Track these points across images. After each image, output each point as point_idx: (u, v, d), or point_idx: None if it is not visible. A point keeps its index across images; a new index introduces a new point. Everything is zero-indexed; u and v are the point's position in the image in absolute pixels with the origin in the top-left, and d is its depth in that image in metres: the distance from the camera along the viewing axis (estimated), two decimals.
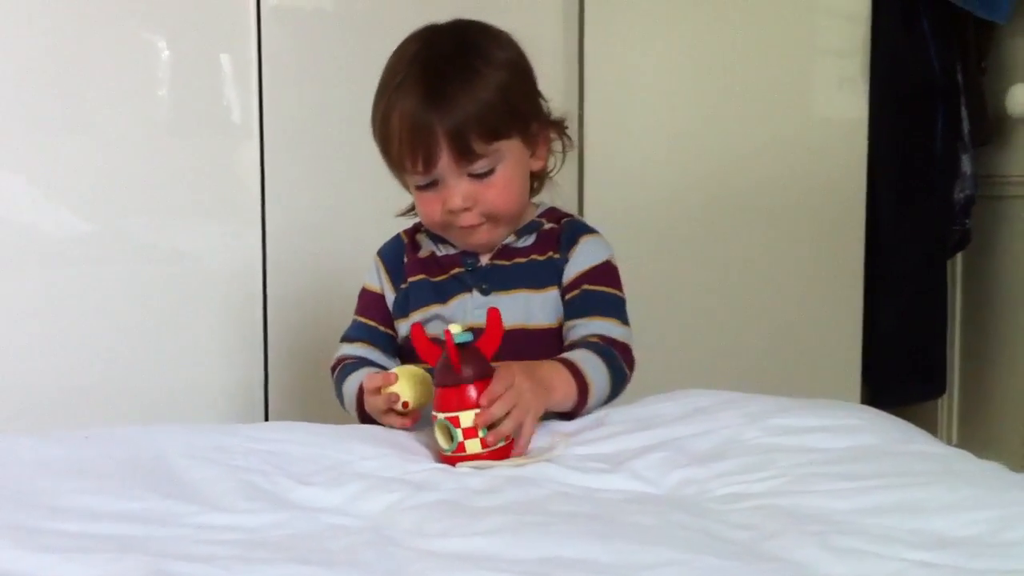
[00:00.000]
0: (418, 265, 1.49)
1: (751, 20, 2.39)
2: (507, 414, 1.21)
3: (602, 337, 1.39)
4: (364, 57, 2.13)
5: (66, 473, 1.06)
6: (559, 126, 1.50)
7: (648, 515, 0.97)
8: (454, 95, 1.35)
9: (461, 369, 1.21)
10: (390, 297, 1.50)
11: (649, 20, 2.36)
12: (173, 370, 2.13)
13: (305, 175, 2.18)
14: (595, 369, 1.35)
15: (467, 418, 1.20)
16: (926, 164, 2.53)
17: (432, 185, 1.40)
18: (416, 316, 1.45)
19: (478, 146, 1.36)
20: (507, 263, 1.46)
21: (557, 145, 1.51)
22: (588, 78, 2.29)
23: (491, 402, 1.20)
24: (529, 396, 1.24)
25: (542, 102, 1.48)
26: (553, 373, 1.31)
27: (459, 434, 1.20)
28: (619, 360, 1.38)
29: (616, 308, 1.44)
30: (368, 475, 1.13)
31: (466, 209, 1.40)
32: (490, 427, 1.20)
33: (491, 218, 1.42)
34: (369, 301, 1.53)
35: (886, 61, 2.45)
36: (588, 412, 1.36)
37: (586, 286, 1.44)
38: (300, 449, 1.21)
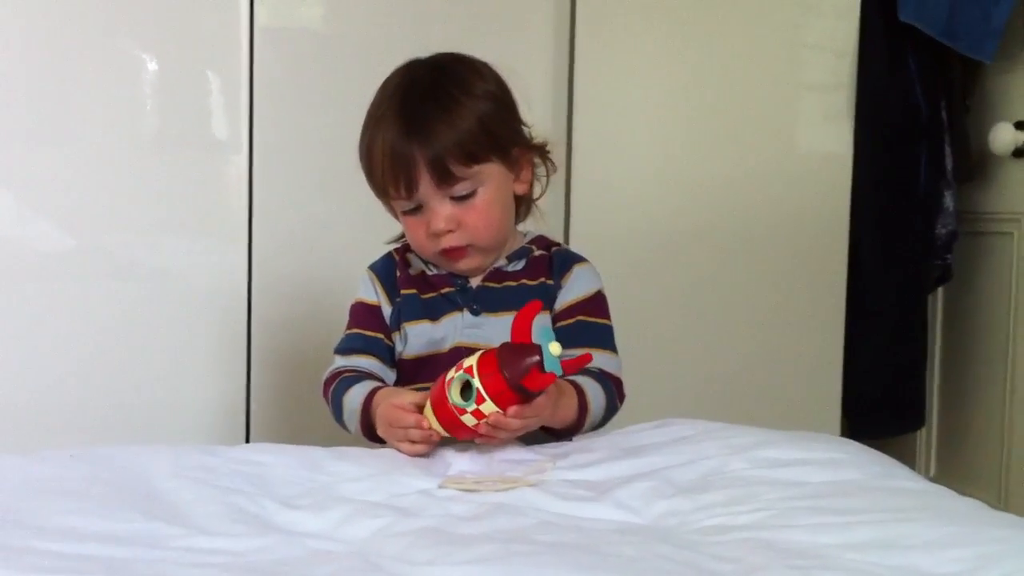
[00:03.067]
0: (409, 281, 1.52)
1: (738, 52, 2.41)
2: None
3: (601, 371, 1.44)
4: (354, 77, 2.15)
5: (52, 493, 1.06)
6: (541, 150, 1.53)
7: (633, 546, 0.97)
8: (432, 123, 1.40)
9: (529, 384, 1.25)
10: (387, 310, 1.52)
11: (638, 50, 2.37)
12: (156, 387, 2.13)
13: (293, 193, 2.19)
14: (596, 398, 1.41)
15: (489, 407, 1.25)
16: (909, 199, 2.55)
17: (417, 210, 1.45)
18: (408, 328, 1.48)
19: (457, 169, 1.41)
20: (497, 285, 1.49)
21: (542, 170, 1.54)
22: (577, 106, 2.31)
23: (517, 417, 1.26)
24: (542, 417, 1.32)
25: (524, 127, 1.51)
26: (571, 400, 1.38)
27: (471, 419, 1.26)
28: (614, 394, 1.44)
29: (609, 339, 1.49)
30: (353, 499, 1.13)
31: (449, 231, 1.43)
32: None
33: (475, 242, 1.45)
34: (366, 312, 1.53)
35: (871, 97, 2.47)
36: (576, 436, 1.41)
37: (581, 316, 1.47)
38: (284, 471, 1.21)
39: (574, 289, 1.49)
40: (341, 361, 1.51)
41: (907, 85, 2.53)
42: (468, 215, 1.43)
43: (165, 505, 1.06)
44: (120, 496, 1.07)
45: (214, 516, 1.04)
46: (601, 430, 1.45)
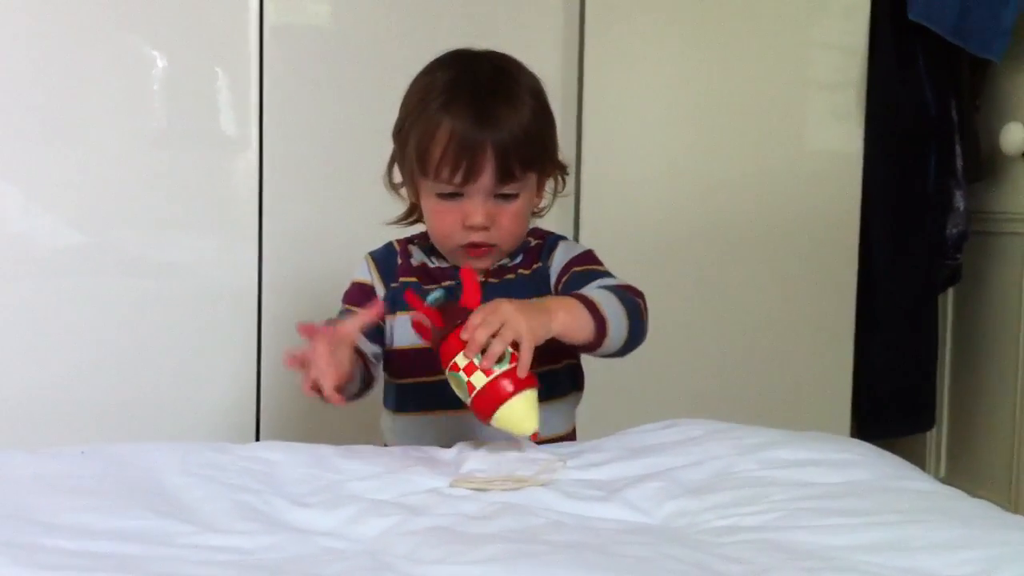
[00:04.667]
0: (410, 271, 1.52)
1: (747, 51, 2.40)
2: (495, 335, 1.21)
3: (602, 287, 1.40)
4: (362, 74, 2.16)
5: (62, 490, 1.07)
6: (564, 170, 1.55)
7: (642, 546, 0.97)
8: (506, 120, 1.41)
9: (444, 323, 1.24)
10: (380, 292, 1.52)
11: (647, 49, 2.37)
12: (166, 383, 2.13)
13: (302, 189, 2.19)
14: (603, 296, 1.35)
15: (461, 358, 1.22)
16: (919, 199, 2.54)
17: (454, 197, 1.44)
18: (401, 317, 1.47)
19: (517, 171, 1.42)
20: (497, 281, 1.50)
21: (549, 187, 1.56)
22: (586, 105, 2.31)
23: (473, 329, 1.21)
24: (516, 316, 1.23)
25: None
26: (550, 301, 1.33)
27: (463, 376, 1.22)
28: (629, 294, 1.39)
29: (610, 276, 1.46)
30: (362, 497, 1.13)
31: (484, 228, 1.43)
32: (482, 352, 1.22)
33: (501, 244, 1.47)
34: (359, 292, 1.53)
35: (881, 96, 2.47)
36: (611, 341, 1.34)
37: (576, 268, 1.48)
38: (294, 469, 1.21)
39: (562, 257, 1.51)
40: None
41: (917, 84, 2.53)
42: (504, 216, 1.44)
43: (175, 503, 1.07)
44: (131, 493, 1.07)
45: (224, 514, 1.05)
46: (609, 428, 1.43)
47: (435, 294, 1.28)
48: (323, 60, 2.20)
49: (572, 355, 1.51)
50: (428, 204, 1.48)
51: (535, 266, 1.52)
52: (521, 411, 1.23)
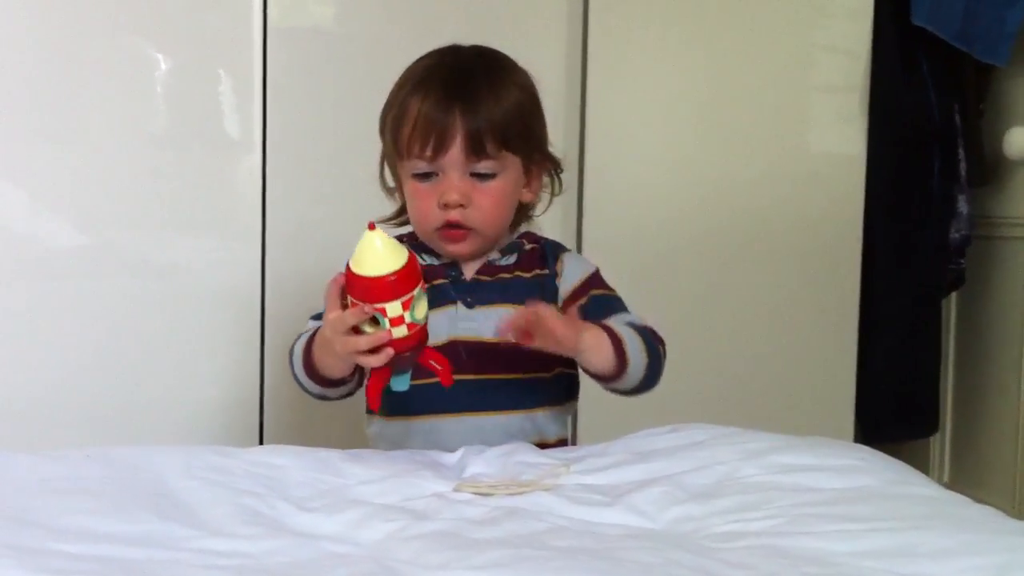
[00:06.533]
0: None
1: (751, 54, 2.40)
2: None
3: (629, 324, 1.43)
4: (365, 76, 2.16)
5: (66, 493, 1.07)
6: (556, 165, 1.54)
7: (646, 552, 0.97)
8: (480, 94, 1.41)
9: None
10: None
11: (650, 52, 2.37)
12: (169, 385, 2.13)
13: (305, 192, 2.19)
14: (631, 338, 1.38)
15: (393, 308, 1.24)
16: (923, 203, 2.54)
17: (430, 177, 1.43)
18: None
19: (490, 146, 1.41)
20: (490, 279, 1.49)
21: (546, 191, 1.56)
22: (589, 108, 2.31)
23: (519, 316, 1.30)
24: (553, 318, 1.31)
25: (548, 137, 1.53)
26: (583, 323, 1.36)
27: (387, 323, 1.24)
28: (650, 336, 1.42)
29: (624, 305, 1.50)
30: (366, 501, 1.13)
31: (460, 205, 1.42)
32: (414, 310, 1.25)
33: (478, 227, 1.45)
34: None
35: (885, 100, 2.46)
36: (625, 381, 1.39)
37: (594, 291, 1.49)
38: (299, 473, 1.21)
39: (574, 272, 1.51)
40: (311, 324, 1.47)
41: (921, 88, 2.52)
42: (482, 196, 1.43)
43: (179, 506, 1.06)
44: (135, 497, 1.07)
45: (228, 518, 1.05)
46: (613, 431, 1.43)
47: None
48: (326, 62, 2.20)
49: (566, 364, 1.51)
50: (408, 190, 1.48)
51: (537, 271, 1.51)
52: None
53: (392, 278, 1.24)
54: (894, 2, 2.47)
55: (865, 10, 2.43)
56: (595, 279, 1.51)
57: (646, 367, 1.39)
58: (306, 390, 1.46)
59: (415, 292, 1.25)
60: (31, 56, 2.07)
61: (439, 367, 1.31)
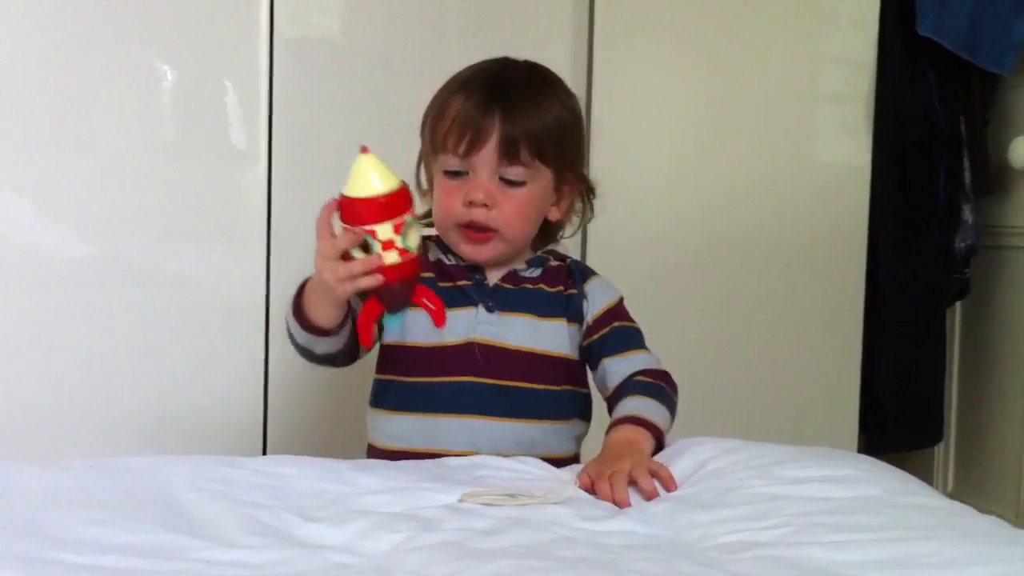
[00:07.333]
0: (427, 265, 1.51)
1: (757, 63, 2.40)
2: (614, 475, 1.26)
3: (646, 371, 1.47)
4: (372, 87, 2.17)
5: (72, 503, 1.07)
6: (589, 188, 1.57)
7: (652, 562, 0.97)
8: (521, 102, 1.44)
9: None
10: None
11: (656, 61, 2.38)
12: (174, 395, 2.13)
13: (311, 202, 2.16)
14: (659, 414, 1.42)
15: (384, 230, 1.24)
16: (928, 213, 2.54)
17: (460, 175, 1.45)
18: (414, 313, 1.43)
19: (523, 154, 1.43)
20: (513, 287, 1.50)
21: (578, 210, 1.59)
22: (595, 117, 2.30)
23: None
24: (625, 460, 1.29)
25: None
26: (640, 438, 1.37)
27: (377, 246, 1.24)
28: (669, 392, 1.46)
29: (643, 340, 1.53)
30: (373, 511, 1.13)
31: (485, 206, 1.43)
32: (405, 236, 1.24)
33: (502, 230, 1.45)
34: None
35: (890, 109, 2.46)
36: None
37: (617, 323, 1.51)
38: (305, 483, 1.21)
39: (601, 297, 1.52)
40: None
41: (926, 98, 2.53)
42: (508, 201, 1.44)
43: (185, 517, 1.06)
44: (140, 507, 1.07)
45: (234, 528, 1.05)
46: None
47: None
48: (333, 73, 2.20)
49: (576, 383, 1.52)
50: (436, 186, 1.49)
51: (562, 289, 1.52)
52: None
53: (382, 199, 1.24)
54: (900, 12, 2.47)
55: (871, 20, 2.44)
56: (619, 309, 1.53)
57: (671, 423, 1.45)
58: (294, 341, 1.45)
59: (407, 218, 1.25)
60: (39, 66, 2.07)
61: (432, 306, 1.31)
